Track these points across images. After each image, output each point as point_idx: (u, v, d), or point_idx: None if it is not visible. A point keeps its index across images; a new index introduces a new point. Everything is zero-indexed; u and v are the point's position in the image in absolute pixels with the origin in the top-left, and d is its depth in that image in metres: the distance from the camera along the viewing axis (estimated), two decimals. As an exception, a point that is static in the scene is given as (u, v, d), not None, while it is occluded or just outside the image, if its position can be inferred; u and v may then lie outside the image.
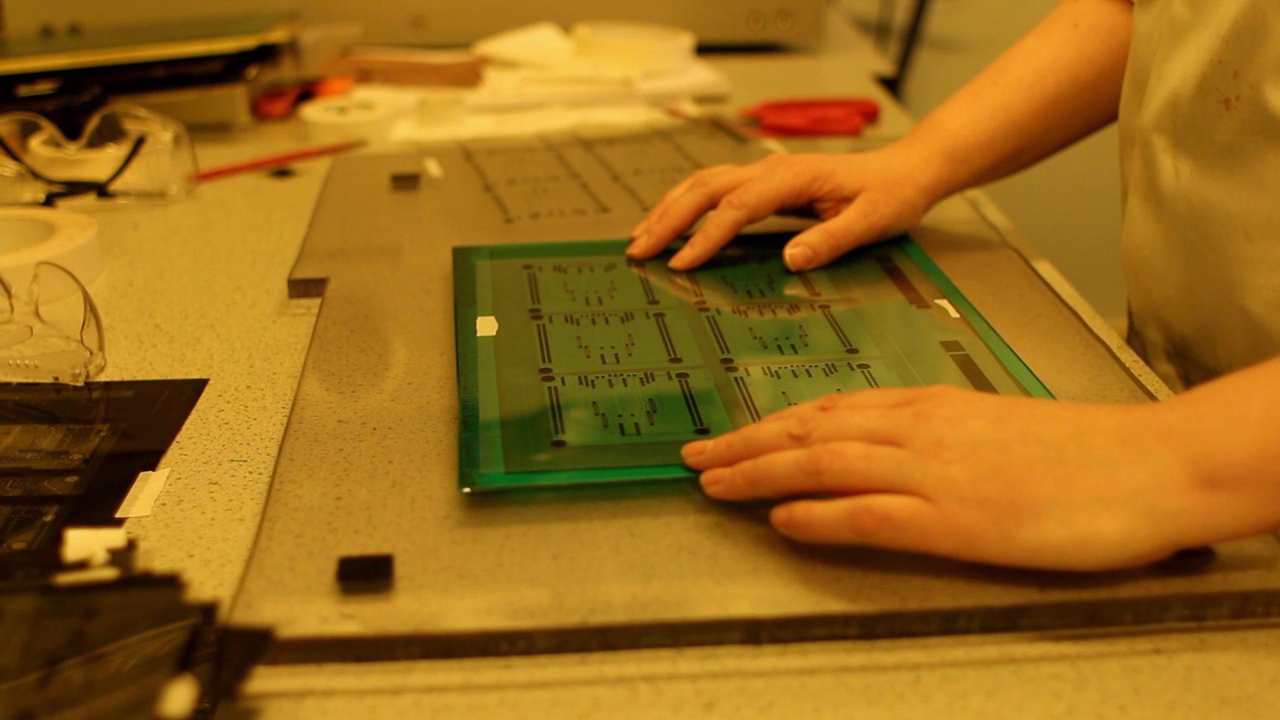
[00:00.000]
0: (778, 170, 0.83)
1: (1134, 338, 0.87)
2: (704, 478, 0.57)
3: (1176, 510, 0.49)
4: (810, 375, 0.67)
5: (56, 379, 0.72)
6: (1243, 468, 0.49)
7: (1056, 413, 0.53)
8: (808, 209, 0.85)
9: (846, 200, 0.83)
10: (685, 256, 0.82)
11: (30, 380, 0.72)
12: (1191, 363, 0.79)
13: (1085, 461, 0.51)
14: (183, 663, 0.44)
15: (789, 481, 0.54)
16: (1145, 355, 0.83)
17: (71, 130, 1.05)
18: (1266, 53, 0.67)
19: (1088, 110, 0.87)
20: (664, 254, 0.83)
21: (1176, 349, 0.80)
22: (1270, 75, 0.67)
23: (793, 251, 0.81)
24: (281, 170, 1.11)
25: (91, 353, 0.73)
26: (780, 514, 0.54)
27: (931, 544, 0.51)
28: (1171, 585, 0.52)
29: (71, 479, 0.62)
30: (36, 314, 0.75)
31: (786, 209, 0.84)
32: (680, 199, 0.84)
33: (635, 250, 0.83)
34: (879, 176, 0.83)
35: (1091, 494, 0.50)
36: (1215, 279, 0.73)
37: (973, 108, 0.86)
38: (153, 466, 0.64)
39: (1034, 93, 0.85)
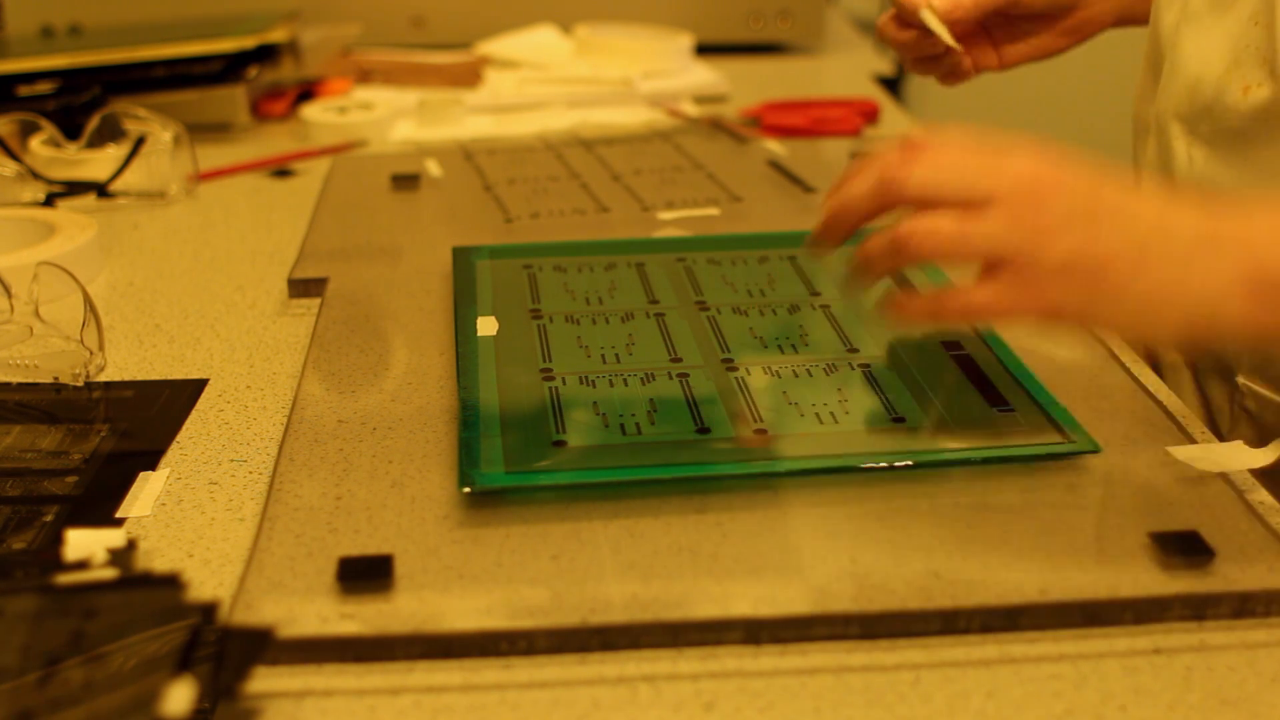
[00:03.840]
0: None
1: None
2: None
3: (1233, 315, 0.52)
4: (811, 375, 0.67)
5: (56, 379, 0.72)
6: None
7: (1142, 210, 0.54)
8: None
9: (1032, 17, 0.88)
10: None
11: (30, 380, 0.72)
12: (1198, 350, 0.79)
13: (1162, 261, 0.52)
14: (183, 663, 0.44)
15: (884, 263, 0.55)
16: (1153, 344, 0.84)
17: (71, 130, 1.05)
18: None
19: None
20: (664, 255, 0.83)
21: None
22: None
23: None
24: (281, 170, 1.11)
25: (91, 353, 0.73)
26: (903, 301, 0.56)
27: (1019, 316, 0.54)
28: (1171, 585, 0.52)
29: (71, 479, 0.62)
30: (36, 314, 0.75)
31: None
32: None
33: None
34: None
35: (1161, 294, 0.52)
36: None
37: None
38: (153, 466, 0.64)
39: None
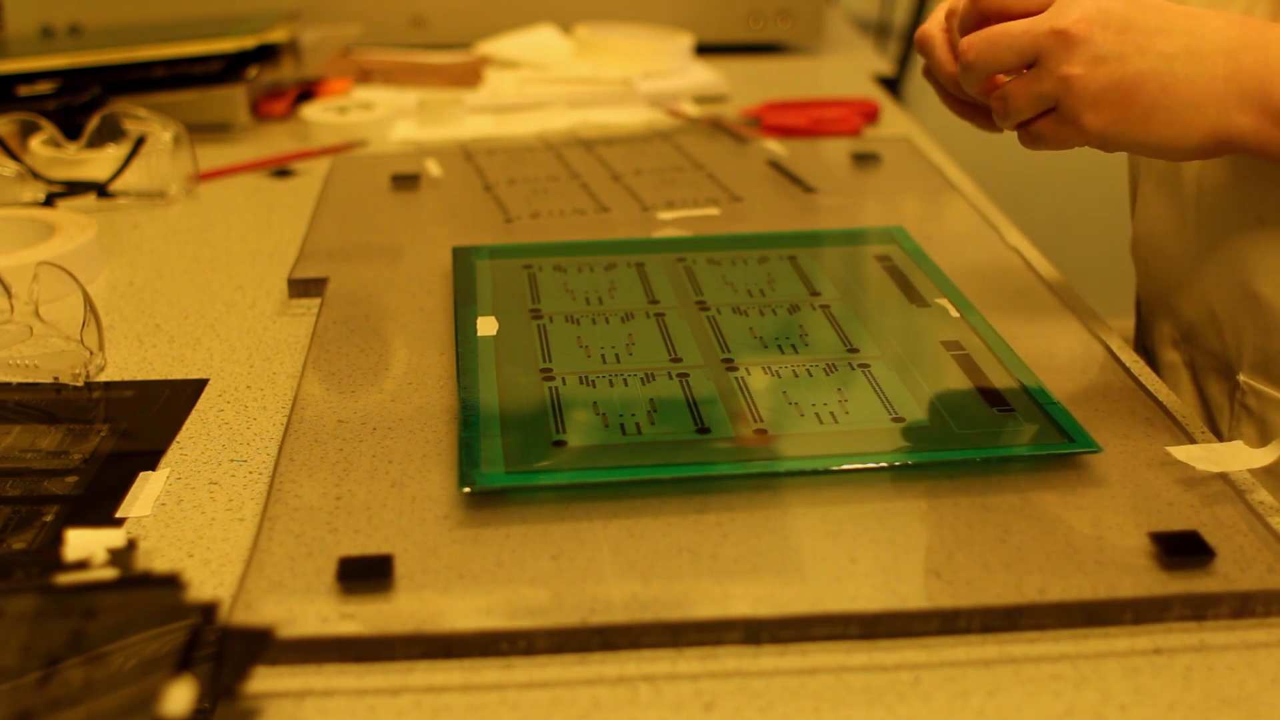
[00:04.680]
0: None
1: (1140, 326, 0.87)
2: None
3: (1245, 130, 0.61)
4: (811, 375, 0.67)
5: (56, 379, 0.72)
6: None
7: (1173, 27, 0.62)
8: None
9: None
10: None
11: (30, 380, 0.72)
12: (1197, 348, 0.79)
13: (1190, 83, 0.61)
14: (183, 663, 0.44)
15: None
16: (1151, 343, 0.84)
17: (71, 130, 1.05)
18: None
19: None
20: (664, 255, 0.83)
21: (1183, 336, 0.80)
22: None
23: None
24: (281, 170, 1.11)
25: (91, 353, 0.73)
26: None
27: (1070, 144, 0.65)
28: (1171, 585, 0.52)
29: (71, 479, 0.62)
30: (36, 314, 0.75)
31: None
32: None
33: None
34: None
35: (1186, 114, 0.61)
36: (1226, 262, 0.73)
37: None
38: (153, 466, 0.64)
39: None
